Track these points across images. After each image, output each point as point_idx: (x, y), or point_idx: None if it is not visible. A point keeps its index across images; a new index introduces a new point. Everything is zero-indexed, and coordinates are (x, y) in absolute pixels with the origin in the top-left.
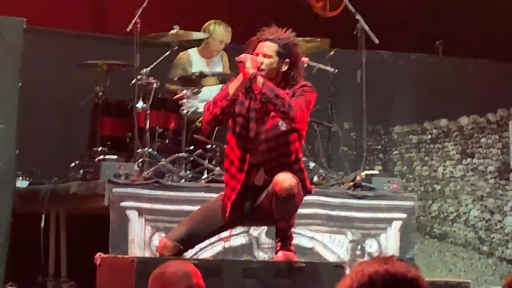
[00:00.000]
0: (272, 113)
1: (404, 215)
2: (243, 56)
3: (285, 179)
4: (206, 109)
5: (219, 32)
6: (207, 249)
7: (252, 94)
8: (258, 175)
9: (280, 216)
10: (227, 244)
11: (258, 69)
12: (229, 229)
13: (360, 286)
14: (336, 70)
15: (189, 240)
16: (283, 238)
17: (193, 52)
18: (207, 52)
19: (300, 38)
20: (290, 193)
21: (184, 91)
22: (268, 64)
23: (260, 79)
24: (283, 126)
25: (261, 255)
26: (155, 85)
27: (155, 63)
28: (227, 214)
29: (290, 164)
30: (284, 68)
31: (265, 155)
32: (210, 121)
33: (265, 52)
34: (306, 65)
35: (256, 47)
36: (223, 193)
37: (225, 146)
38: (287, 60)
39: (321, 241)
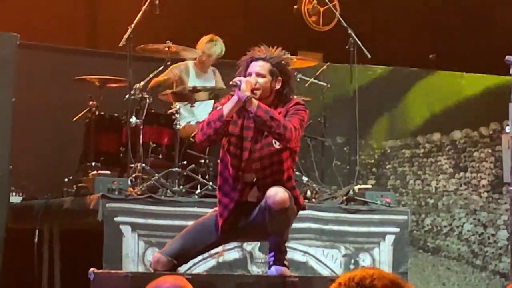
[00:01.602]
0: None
1: (397, 229)
2: (237, 79)
3: (277, 193)
4: (200, 129)
5: (201, 45)
6: (201, 264)
7: (245, 113)
8: (252, 192)
9: (273, 230)
10: (221, 259)
11: (253, 90)
12: (222, 245)
13: (339, 284)
14: (329, 85)
15: (182, 255)
16: (277, 253)
17: (190, 64)
18: (200, 66)
19: (293, 57)
20: (283, 206)
21: (178, 106)
22: (262, 84)
23: (254, 102)
24: (276, 144)
25: (255, 270)
26: (148, 100)
27: (148, 78)
28: (219, 231)
29: (283, 182)
30: (277, 86)
31: (258, 173)
32: (203, 141)
33: (258, 72)
34: (298, 79)
35: (248, 67)
36: (217, 209)
37: (218, 163)
38: (279, 78)
39: (314, 255)
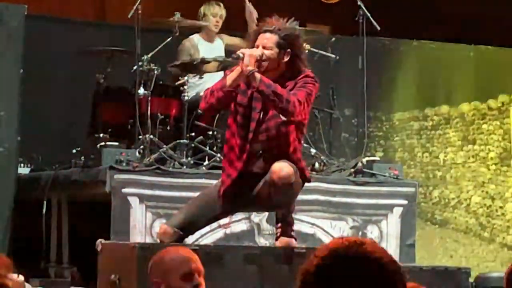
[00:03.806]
0: None
1: (405, 202)
2: (241, 51)
3: (282, 168)
4: (204, 97)
5: (204, 8)
6: (208, 235)
7: None
8: (258, 163)
9: (278, 204)
10: (228, 231)
11: (259, 61)
12: (229, 216)
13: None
14: (338, 57)
15: (189, 226)
16: (284, 224)
17: (196, 38)
18: (208, 35)
19: (302, 28)
20: (288, 181)
21: (186, 77)
22: (268, 56)
23: (257, 76)
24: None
25: (262, 241)
26: (156, 71)
27: (156, 50)
28: (221, 200)
29: (289, 153)
30: (286, 58)
31: (265, 144)
32: (206, 109)
33: (265, 44)
34: (307, 51)
35: (256, 39)
36: None
37: (226, 131)
38: (288, 50)
39: (322, 227)
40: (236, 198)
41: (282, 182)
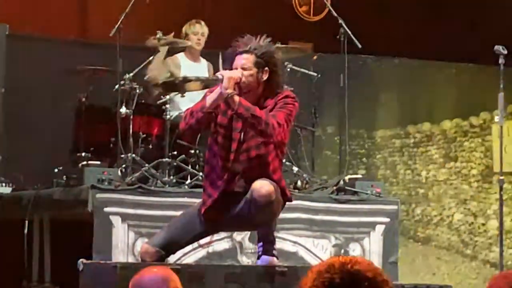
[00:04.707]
0: None
1: (387, 219)
2: (220, 73)
3: (262, 186)
4: (183, 117)
5: (185, 28)
6: (191, 254)
7: None
8: (239, 183)
9: (260, 222)
10: (210, 249)
11: (238, 83)
12: (210, 235)
13: (320, 271)
14: (319, 75)
15: (170, 246)
16: (265, 243)
17: (180, 56)
18: (192, 54)
19: (282, 46)
20: (269, 199)
21: (168, 96)
22: (247, 77)
23: (236, 99)
24: None
25: (245, 260)
26: (138, 90)
27: (138, 68)
28: (203, 220)
29: (270, 173)
30: (265, 77)
31: (245, 164)
32: (185, 130)
33: (244, 65)
34: (289, 69)
35: (233, 61)
36: None
37: (206, 151)
38: (266, 68)
39: (304, 245)
40: (218, 217)
41: (263, 200)
